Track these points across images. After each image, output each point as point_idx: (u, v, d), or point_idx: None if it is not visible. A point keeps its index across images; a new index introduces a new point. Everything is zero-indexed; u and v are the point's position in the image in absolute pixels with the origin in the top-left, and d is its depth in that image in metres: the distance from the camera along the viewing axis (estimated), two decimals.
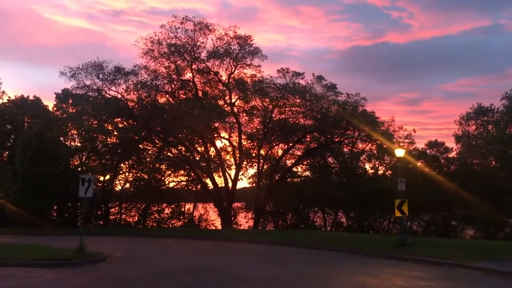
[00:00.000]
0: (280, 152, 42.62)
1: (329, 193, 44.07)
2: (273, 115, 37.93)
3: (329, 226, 47.65)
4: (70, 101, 41.90)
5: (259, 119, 38.85)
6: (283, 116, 38.18)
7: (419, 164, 44.94)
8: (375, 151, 41.48)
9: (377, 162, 47.32)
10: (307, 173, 47.54)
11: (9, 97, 43.08)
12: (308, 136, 39.60)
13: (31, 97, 43.91)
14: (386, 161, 46.25)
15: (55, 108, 43.18)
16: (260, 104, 37.70)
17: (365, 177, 45.12)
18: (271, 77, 37.23)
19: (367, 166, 47.44)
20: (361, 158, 46.02)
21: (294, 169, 44.67)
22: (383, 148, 38.13)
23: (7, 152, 40.50)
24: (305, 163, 44.79)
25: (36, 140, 31.43)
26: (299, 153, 42.55)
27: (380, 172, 47.91)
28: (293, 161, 43.00)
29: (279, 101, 36.90)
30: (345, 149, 44.00)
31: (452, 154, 47.51)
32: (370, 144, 38.49)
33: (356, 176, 44.55)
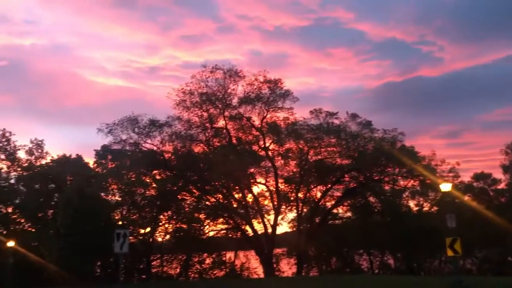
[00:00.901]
0: (318, 194, 41.68)
1: (373, 234, 42.37)
2: (309, 157, 37.48)
3: (376, 268, 45.55)
4: (109, 156, 42.95)
5: (295, 161, 38.41)
6: (319, 157, 37.63)
7: (466, 198, 42.88)
8: (418, 187, 39.93)
9: (421, 199, 45.43)
10: (349, 214, 46.11)
11: (52, 156, 44.59)
12: (346, 176, 38.72)
13: (73, 156, 45.31)
14: (430, 197, 44.34)
15: (95, 165, 44.26)
16: (295, 147, 37.40)
17: (410, 215, 43.26)
18: (304, 118, 37.27)
19: (411, 204, 45.62)
20: (404, 196, 44.32)
21: (335, 211, 43.46)
22: (426, 184, 36.71)
23: (51, 211, 41.47)
24: (345, 204, 43.51)
25: (77, 197, 31.98)
26: (338, 194, 41.46)
27: (426, 209, 45.89)
28: (333, 202, 41.86)
29: (313, 142, 36.53)
30: (386, 187, 42.57)
31: (501, 186, 45.22)
32: (412, 180, 37.21)
33: (401, 214, 42.79)
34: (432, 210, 44.43)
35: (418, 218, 41.78)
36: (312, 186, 40.75)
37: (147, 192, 41.65)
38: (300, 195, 40.01)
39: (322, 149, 37.32)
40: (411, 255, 43.82)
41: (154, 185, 40.74)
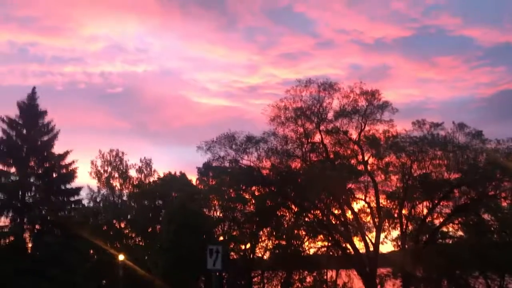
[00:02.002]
0: (425, 210, 38.83)
1: (490, 255, 38.28)
2: (412, 171, 35.20)
3: None
4: (211, 173, 44.56)
5: (397, 176, 36.33)
6: (424, 171, 35.18)
7: None
8: None
9: None
10: (460, 233, 42.29)
11: (158, 175, 47.55)
12: (455, 191, 35.63)
13: (177, 173, 47.85)
14: None
15: (198, 182, 46.22)
16: (396, 160, 35.42)
17: None
18: (406, 131, 35.25)
19: None
20: None
21: (444, 229, 40.09)
22: None
23: (159, 227, 43.92)
24: (456, 221, 39.96)
25: (180, 213, 33.42)
26: (447, 210, 38.22)
27: None
28: (441, 220, 38.66)
29: (417, 155, 34.27)
30: (504, 203, 38.39)
31: None
32: None
33: None
34: None
35: None
36: (417, 202, 38.07)
37: (247, 208, 42.28)
38: (404, 211, 37.60)
39: (426, 163, 34.87)
40: None
41: (253, 201, 41.21)
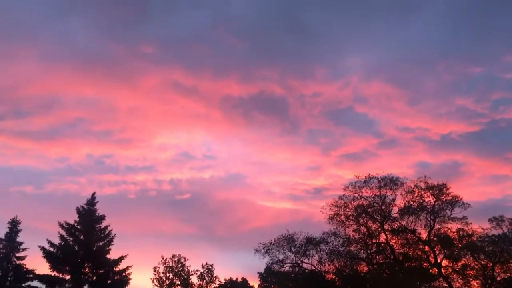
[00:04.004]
0: None
1: None
2: (495, 274, 31.08)
3: None
4: (272, 279, 42.33)
5: (477, 280, 32.18)
6: (509, 275, 30.94)
7: None
8: None
9: None
10: None
11: (220, 281, 45.84)
12: None
13: (239, 279, 46.04)
14: None
15: None
16: (475, 262, 31.64)
17: None
18: (483, 229, 31.95)
19: None
20: None
21: None
22: None
23: None
24: None
25: None
26: None
27: None
28: None
29: (498, 256, 30.51)
30: None
31: None
32: None
33: None
34: None
35: None
36: None
37: None
38: None
39: (511, 265, 30.79)
40: None
41: None
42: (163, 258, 47.60)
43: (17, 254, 36.09)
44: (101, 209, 36.43)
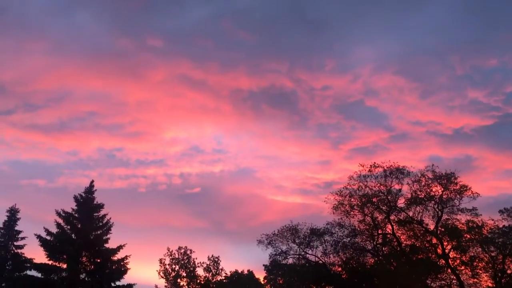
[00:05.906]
0: None
1: None
2: (505, 266, 30.01)
3: None
4: (279, 272, 41.76)
5: (487, 273, 31.12)
6: None
7: None
8: None
9: None
10: None
11: (225, 273, 45.47)
12: None
13: (245, 271, 45.63)
14: None
15: (265, 281, 43.42)
16: (484, 254, 30.62)
17: None
18: (493, 220, 30.90)
19: None
20: None
21: None
22: None
23: None
24: None
25: None
26: None
27: None
28: None
29: (509, 248, 29.45)
30: None
31: None
32: None
33: None
34: None
35: None
36: None
37: None
38: None
39: None
40: None
41: None
42: (169, 250, 47.36)
43: (15, 243, 35.78)
44: (111, 202, 35.47)
